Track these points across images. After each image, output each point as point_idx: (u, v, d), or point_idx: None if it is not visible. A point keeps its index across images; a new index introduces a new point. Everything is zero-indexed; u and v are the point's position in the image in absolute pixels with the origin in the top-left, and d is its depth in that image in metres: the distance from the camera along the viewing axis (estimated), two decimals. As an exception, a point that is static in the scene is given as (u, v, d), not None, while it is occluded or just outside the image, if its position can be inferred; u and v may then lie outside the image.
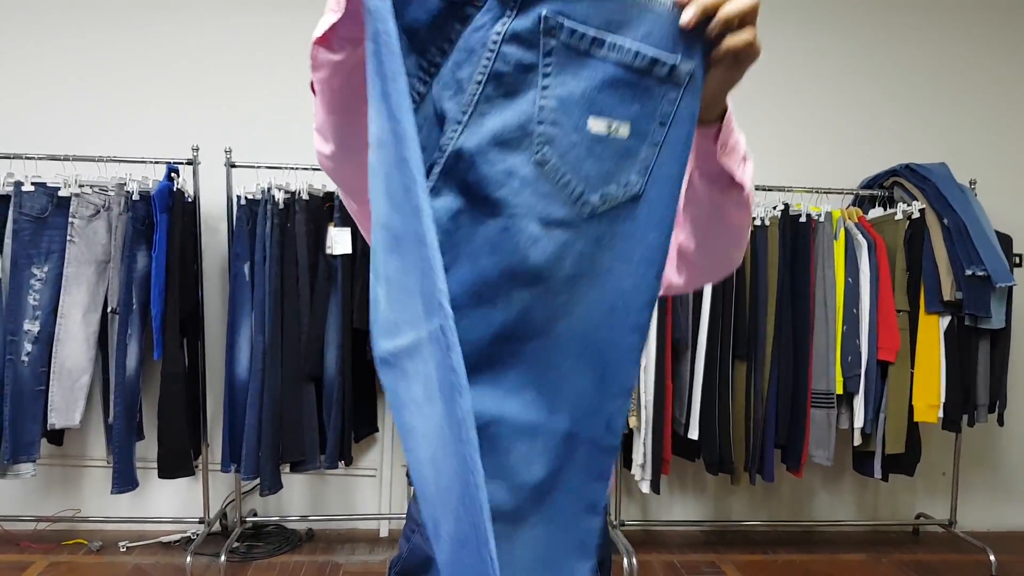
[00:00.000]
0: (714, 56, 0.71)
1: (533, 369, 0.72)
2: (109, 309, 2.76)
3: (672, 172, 0.72)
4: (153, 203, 2.72)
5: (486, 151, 0.68)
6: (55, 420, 2.72)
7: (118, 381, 2.73)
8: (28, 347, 2.70)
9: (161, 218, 2.71)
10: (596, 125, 0.70)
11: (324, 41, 0.77)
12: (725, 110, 0.80)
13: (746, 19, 0.70)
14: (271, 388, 2.76)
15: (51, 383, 2.71)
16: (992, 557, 2.97)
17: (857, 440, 2.95)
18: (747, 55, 0.71)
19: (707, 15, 0.68)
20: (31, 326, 2.71)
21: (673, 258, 0.97)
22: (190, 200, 2.86)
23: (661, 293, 0.83)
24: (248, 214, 2.81)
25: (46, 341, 2.71)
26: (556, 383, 0.72)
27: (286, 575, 2.78)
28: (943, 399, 2.92)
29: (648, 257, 0.73)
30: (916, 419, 2.93)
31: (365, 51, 0.69)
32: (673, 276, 0.99)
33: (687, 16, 0.68)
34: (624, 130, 0.70)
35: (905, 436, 2.92)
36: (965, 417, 3.03)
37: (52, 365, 2.72)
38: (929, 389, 2.92)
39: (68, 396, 2.74)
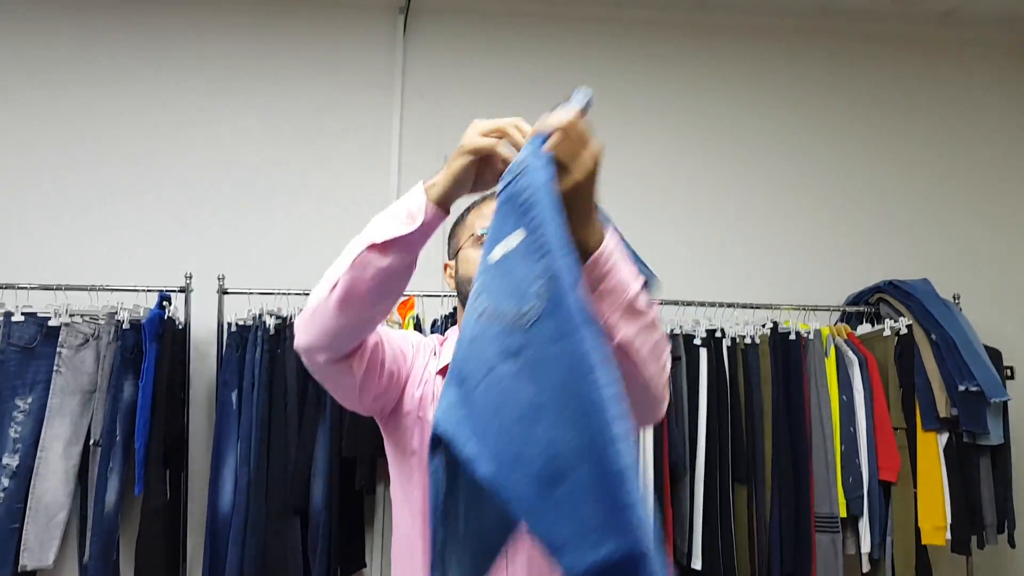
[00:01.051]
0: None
1: None
2: (92, 441, 2.69)
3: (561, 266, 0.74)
4: (143, 331, 2.70)
5: None
6: (27, 561, 2.59)
7: (96, 517, 2.62)
8: (5, 482, 2.61)
9: (150, 347, 2.69)
10: (495, 254, 0.76)
11: (380, 248, 0.84)
12: (602, 239, 0.85)
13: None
14: (255, 523, 2.65)
15: (26, 521, 2.60)
16: None
17: (866, 567, 2.85)
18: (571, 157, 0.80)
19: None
20: (10, 460, 2.63)
21: None
22: (181, 327, 2.85)
23: None
24: (239, 340, 2.80)
25: (24, 475, 2.63)
26: None
27: None
28: (949, 520, 2.84)
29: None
30: (924, 542, 2.83)
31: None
32: None
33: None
34: (515, 242, 0.75)
35: (915, 560, 2.81)
36: (974, 538, 2.93)
37: (29, 501, 2.62)
38: (934, 510, 2.84)
39: (43, 535, 2.62)
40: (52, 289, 2.74)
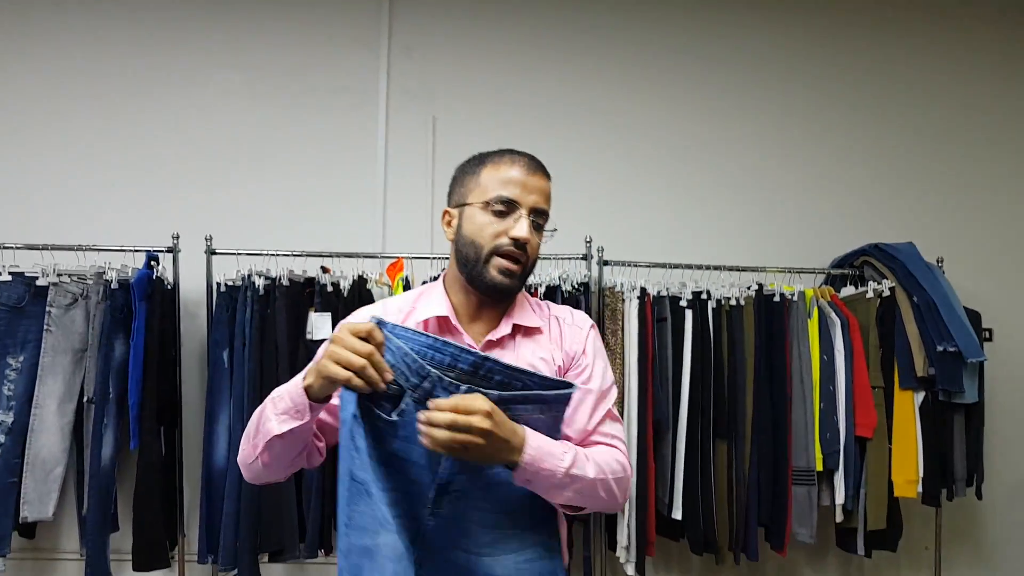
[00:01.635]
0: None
1: None
2: (85, 399, 2.73)
3: None
4: (132, 291, 2.71)
5: None
6: (28, 513, 2.66)
7: (92, 472, 2.68)
8: (1, 438, 2.66)
9: (140, 306, 2.71)
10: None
11: (279, 436, 1.05)
12: (516, 463, 1.02)
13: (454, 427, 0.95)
14: (250, 477, 2.72)
15: (24, 475, 2.66)
16: (978, 634, 2.96)
17: (839, 517, 2.96)
18: (453, 451, 0.97)
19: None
20: (5, 417, 2.67)
21: None
22: (170, 287, 2.86)
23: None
24: (228, 301, 2.81)
25: (20, 432, 2.67)
26: None
27: (263, 672, 2.69)
28: (921, 474, 2.94)
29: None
30: (896, 494, 2.94)
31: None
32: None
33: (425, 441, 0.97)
34: None
35: (886, 512, 2.93)
36: (944, 491, 3.05)
37: (26, 456, 2.67)
38: (907, 464, 2.94)
39: (41, 488, 2.68)
40: (39, 249, 2.74)
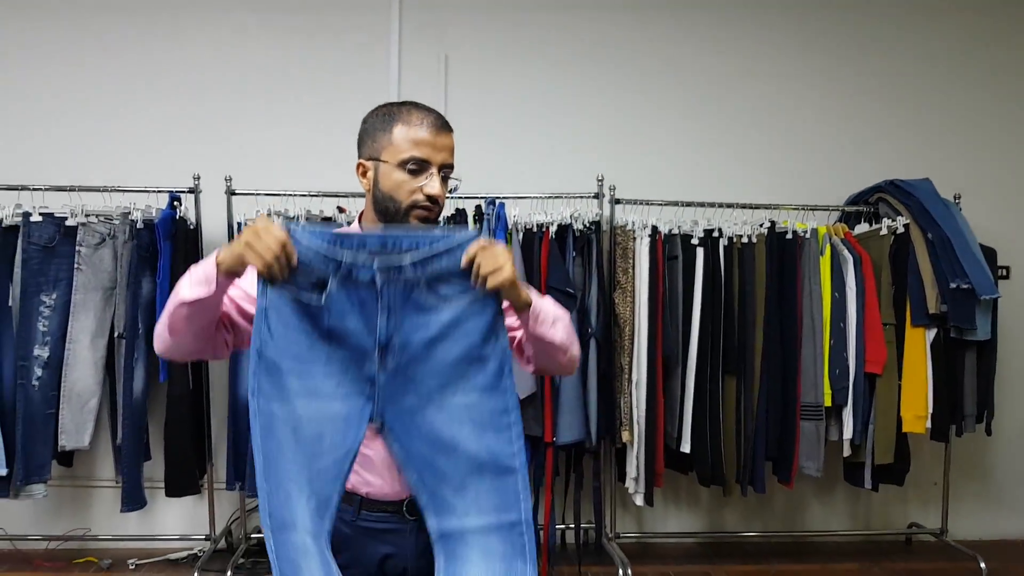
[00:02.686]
0: (488, 289, 1.15)
1: None
2: (116, 334, 2.85)
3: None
4: (157, 231, 2.81)
5: None
6: (65, 442, 2.81)
7: (125, 403, 2.82)
8: (38, 372, 2.79)
9: (164, 245, 2.80)
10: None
11: (188, 304, 1.15)
12: (530, 301, 1.24)
13: (495, 266, 1.14)
14: (273, 409, 2.84)
15: (61, 406, 2.80)
16: (983, 565, 3.02)
17: (847, 451, 3.01)
18: (500, 287, 1.15)
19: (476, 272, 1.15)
20: (41, 351, 2.80)
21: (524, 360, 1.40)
22: (192, 227, 2.95)
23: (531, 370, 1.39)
24: (249, 238, 2.89)
25: (55, 366, 2.80)
26: None
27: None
28: (931, 410, 2.97)
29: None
30: (904, 430, 2.98)
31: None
32: (525, 365, 1.40)
33: (472, 279, 1.15)
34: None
35: (894, 447, 2.97)
36: (953, 427, 3.08)
37: (62, 389, 2.80)
38: (916, 400, 2.97)
39: (78, 419, 2.83)
40: (66, 190, 2.83)
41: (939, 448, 3.24)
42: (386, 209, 1.28)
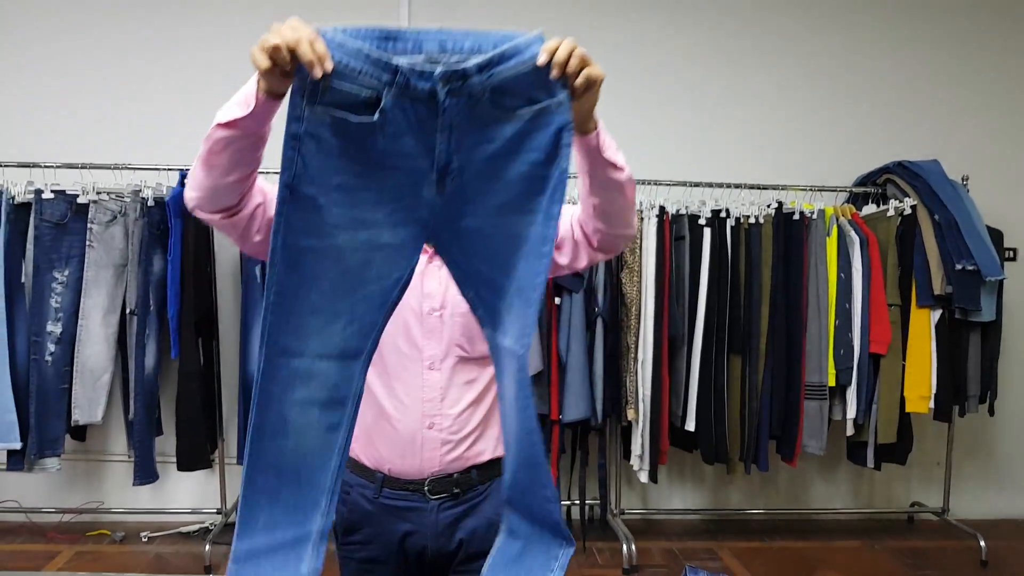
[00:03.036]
0: (577, 86, 0.97)
1: None
2: (128, 311, 2.88)
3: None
4: (168, 209, 2.83)
5: None
6: (78, 417, 2.85)
7: (137, 379, 2.86)
8: (51, 347, 2.83)
9: (175, 223, 2.83)
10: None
11: (224, 126, 1.02)
12: (597, 123, 1.07)
13: (585, 60, 0.96)
14: (283, 385, 2.87)
15: (74, 382, 2.84)
16: (983, 543, 3.06)
17: (850, 430, 3.04)
18: (595, 81, 0.98)
19: (563, 65, 0.95)
20: (53, 327, 2.83)
21: (560, 244, 1.26)
22: (203, 205, 2.96)
23: (551, 275, 1.15)
24: (259, 218, 2.91)
25: (68, 342, 2.84)
26: None
27: (300, 563, 2.90)
28: (934, 390, 3.00)
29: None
30: (908, 410, 3.01)
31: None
32: (558, 258, 1.27)
33: (554, 72, 0.95)
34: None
35: (897, 426, 3.00)
36: (956, 408, 3.10)
37: (75, 364, 2.84)
38: (920, 380, 2.99)
39: (90, 394, 2.87)
40: (77, 168, 2.85)
41: (942, 428, 3.27)
42: None
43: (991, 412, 3.18)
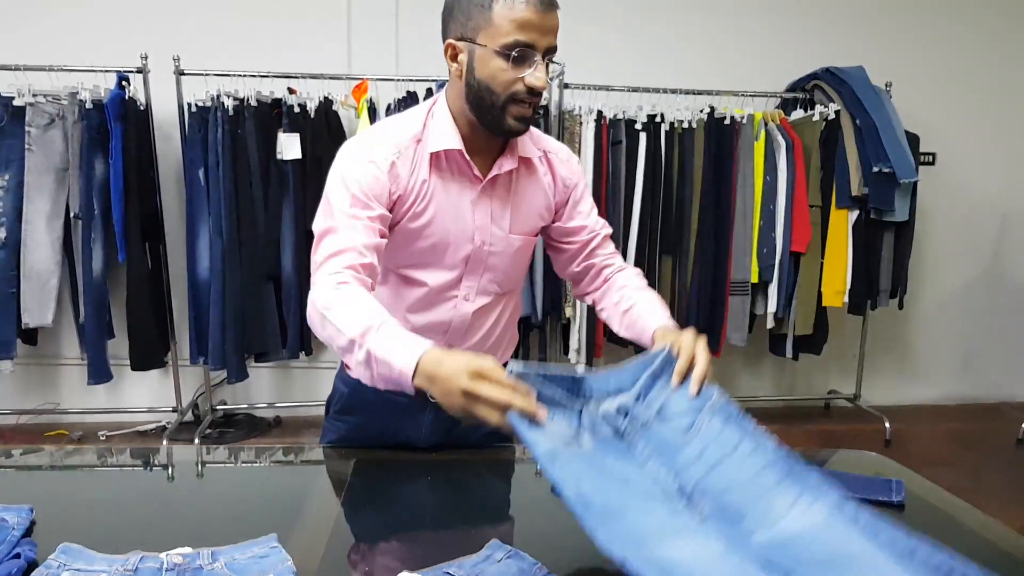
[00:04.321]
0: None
1: None
2: (72, 215, 2.90)
3: None
4: (107, 112, 2.82)
5: None
6: (28, 320, 2.90)
7: (86, 283, 2.91)
8: (-3, 252, 2.85)
9: (115, 126, 2.83)
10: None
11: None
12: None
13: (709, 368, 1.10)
14: (232, 286, 2.96)
15: (22, 286, 2.88)
16: (887, 425, 3.36)
17: (771, 324, 3.26)
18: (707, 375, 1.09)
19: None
20: (-2, 232, 2.85)
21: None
22: (143, 108, 2.96)
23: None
24: (200, 121, 2.93)
25: (13, 247, 2.86)
26: None
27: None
28: (849, 286, 3.22)
29: None
30: (824, 304, 3.23)
31: None
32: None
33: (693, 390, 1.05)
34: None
35: (813, 319, 3.23)
36: (869, 302, 3.34)
37: (21, 269, 2.88)
38: (836, 277, 3.21)
39: (39, 297, 2.91)
40: (11, 69, 2.81)
41: (857, 322, 3.51)
42: (481, 101, 1.14)
43: (900, 306, 3.43)
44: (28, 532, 0.92)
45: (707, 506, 0.86)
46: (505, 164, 1.24)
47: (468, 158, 1.21)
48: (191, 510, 1.08)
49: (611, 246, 1.39)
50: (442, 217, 1.21)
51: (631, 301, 1.29)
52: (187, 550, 0.85)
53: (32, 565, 0.84)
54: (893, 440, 3.33)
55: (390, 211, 1.19)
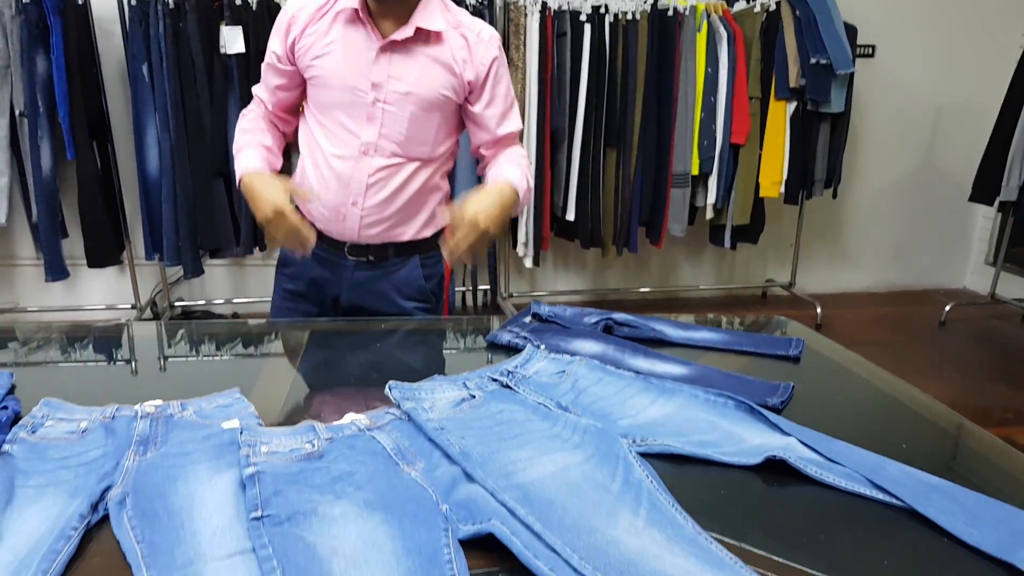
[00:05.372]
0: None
1: None
2: (17, 113, 2.89)
3: None
4: (44, 6, 2.78)
5: None
6: (-20, 219, 2.93)
7: (36, 181, 2.93)
8: (-59, 152, 2.85)
9: (54, 20, 2.79)
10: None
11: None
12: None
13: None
14: (182, 183, 3.00)
15: (-30, 185, 2.89)
16: (819, 310, 3.56)
17: (710, 215, 3.40)
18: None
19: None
20: (-59, 132, 2.84)
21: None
22: (82, 3, 2.91)
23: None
24: (140, 15, 2.89)
25: (-41, 146, 2.86)
26: None
27: (216, 347, 3.17)
28: (785, 176, 3.34)
29: None
30: (761, 195, 3.37)
31: None
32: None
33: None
34: None
35: (751, 210, 3.37)
36: (804, 192, 3.48)
37: (-32, 168, 2.88)
38: (774, 168, 3.33)
39: (-10, 196, 2.93)
40: (-61, -40, 2.74)
41: (794, 213, 3.66)
42: None
43: (835, 196, 3.58)
44: (10, 393, 0.99)
45: (580, 413, 0.96)
46: (403, 32, 1.33)
47: (369, 19, 1.34)
48: (159, 376, 1.18)
49: (518, 144, 1.50)
50: (341, 68, 1.35)
51: (494, 165, 1.46)
52: (159, 402, 0.93)
53: (18, 417, 0.91)
54: (824, 324, 3.54)
55: (292, 53, 1.39)
